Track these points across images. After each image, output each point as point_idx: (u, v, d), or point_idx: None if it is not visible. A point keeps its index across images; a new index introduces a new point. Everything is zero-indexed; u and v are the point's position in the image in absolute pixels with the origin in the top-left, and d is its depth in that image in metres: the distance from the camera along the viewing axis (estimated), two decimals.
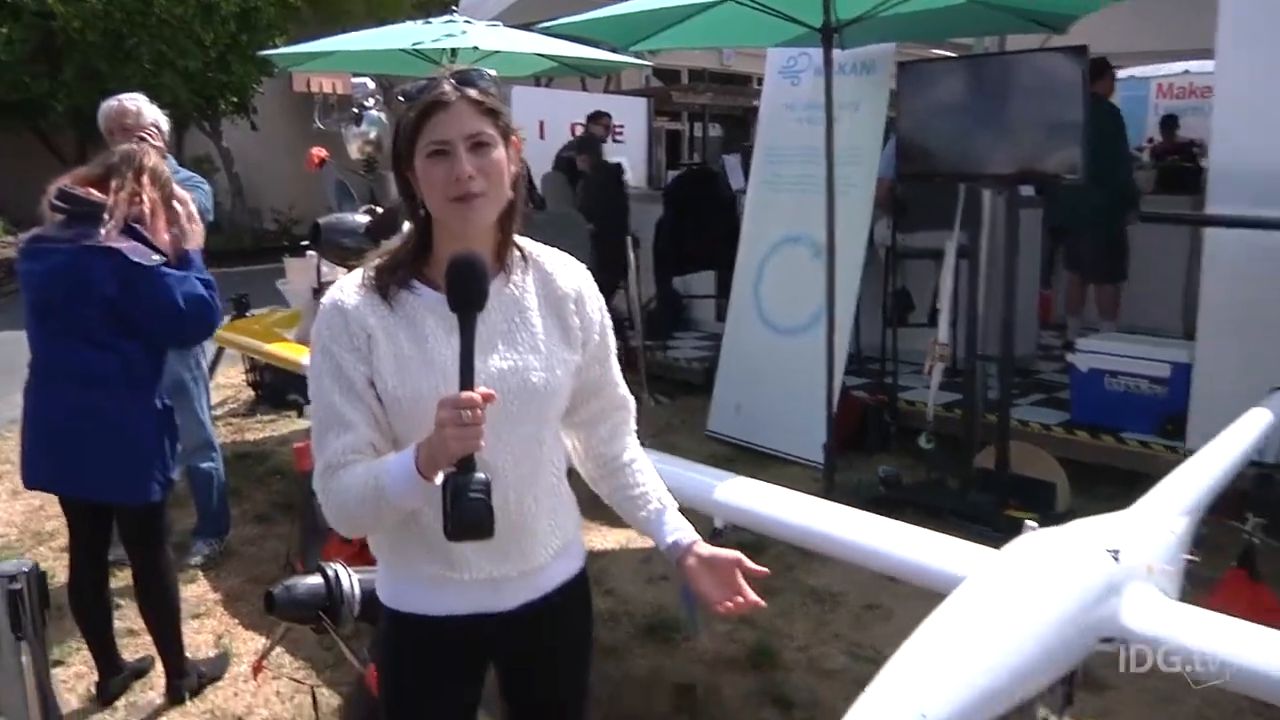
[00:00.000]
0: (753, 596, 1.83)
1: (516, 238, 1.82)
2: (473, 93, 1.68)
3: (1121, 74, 12.48)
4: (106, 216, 3.27)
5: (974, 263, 5.48)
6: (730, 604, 1.83)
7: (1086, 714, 3.44)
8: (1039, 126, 4.85)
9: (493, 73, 1.76)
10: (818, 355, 5.58)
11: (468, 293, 1.58)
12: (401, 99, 1.70)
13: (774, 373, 6.39)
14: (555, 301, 1.82)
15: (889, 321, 6.76)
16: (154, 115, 4.38)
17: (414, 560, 1.79)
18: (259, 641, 3.93)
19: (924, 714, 1.53)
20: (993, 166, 5.07)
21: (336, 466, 1.67)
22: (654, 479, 2.00)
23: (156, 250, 3.34)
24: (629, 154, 11.89)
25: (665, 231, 8.78)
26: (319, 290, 7.39)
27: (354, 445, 1.67)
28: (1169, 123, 12.55)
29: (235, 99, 18.21)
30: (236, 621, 4.27)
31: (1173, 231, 7.04)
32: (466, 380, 1.54)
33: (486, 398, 1.53)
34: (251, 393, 7.85)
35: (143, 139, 3.91)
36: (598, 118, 10.17)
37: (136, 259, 3.26)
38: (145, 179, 3.39)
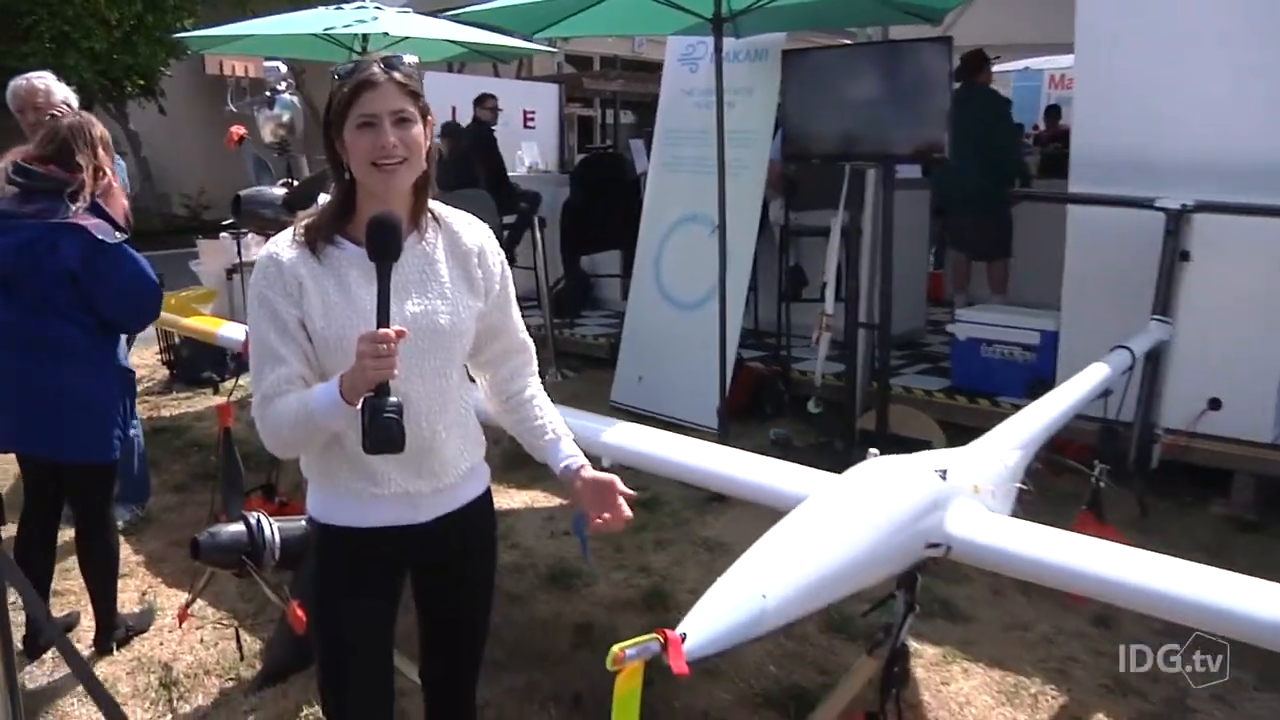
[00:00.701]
0: (626, 512, 2.13)
1: (430, 202, 2.09)
2: (398, 75, 1.95)
3: (1018, 65, 13.08)
4: (84, 191, 3.38)
5: (856, 240, 5.82)
6: (606, 516, 2.12)
7: (950, 642, 3.83)
8: (909, 111, 5.19)
9: (415, 59, 2.03)
10: (715, 327, 5.84)
11: (384, 246, 1.86)
12: (335, 77, 1.96)
13: (673, 345, 6.65)
14: (461, 255, 2.10)
15: (783, 296, 7.11)
16: (64, 93, 4.46)
17: (341, 479, 2.06)
18: (182, 598, 4.03)
19: (764, 594, 1.80)
20: (867, 147, 5.40)
21: (272, 396, 1.93)
22: (553, 413, 2.29)
23: (118, 227, 3.48)
24: (540, 139, 12.11)
25: (572, 213, 8.91)
26: (232, 270, 7.54)
27: (287, 377, 1.93)
28: (1052, 112, 13.26)
29: (142, 81, 17.88)
30: (160, 580, 4.43)
31: (1055, 211, 7.41)
32: (383, 320, 1.83)
33: (399, 334, 1.81)
34: (166, 372, 7.92)
35: (54, 117, 3.92)
36: (483, 100, 9.76)
37: (101, 236, 3.39)
38: (102, 151, 3.50)
